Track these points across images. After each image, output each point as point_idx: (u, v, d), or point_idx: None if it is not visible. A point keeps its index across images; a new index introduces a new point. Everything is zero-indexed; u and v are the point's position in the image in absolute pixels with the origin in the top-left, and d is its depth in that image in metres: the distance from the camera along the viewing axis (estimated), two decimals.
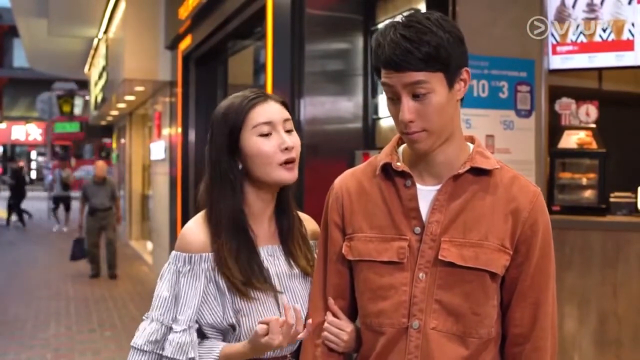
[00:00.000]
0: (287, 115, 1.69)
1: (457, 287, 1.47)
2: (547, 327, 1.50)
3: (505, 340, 1.53)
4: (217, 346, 1.63)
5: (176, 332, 1.58)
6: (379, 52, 1.44)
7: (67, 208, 16.53)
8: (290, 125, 1.69)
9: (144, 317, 1.67)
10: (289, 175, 1.65)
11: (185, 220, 8.34)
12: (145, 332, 1.62)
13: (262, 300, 1.62)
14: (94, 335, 6.56)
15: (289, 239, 1.72)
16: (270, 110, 1.66)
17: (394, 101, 1.46)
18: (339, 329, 1.59)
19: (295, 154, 1.66)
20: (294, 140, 1.67)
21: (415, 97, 1.42)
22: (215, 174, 1.67)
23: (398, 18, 1.48)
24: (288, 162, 1.65)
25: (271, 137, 1.64)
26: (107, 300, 8.19)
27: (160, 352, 1.60)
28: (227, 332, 1.65)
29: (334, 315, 1.61)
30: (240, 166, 1.66)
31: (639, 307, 3.81)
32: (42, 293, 8.68)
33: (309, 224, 1.82)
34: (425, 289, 1.48)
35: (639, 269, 3.81)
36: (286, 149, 1.64)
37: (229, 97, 1.72)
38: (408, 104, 1.42)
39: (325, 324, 1.61)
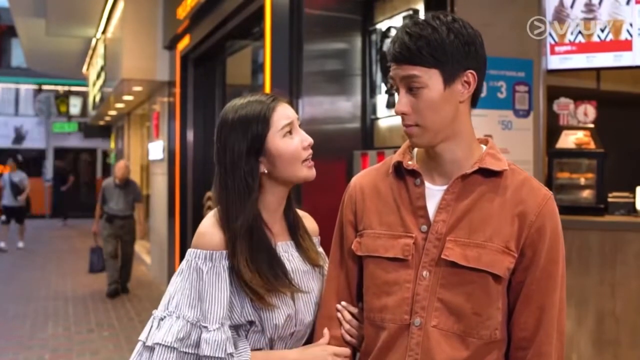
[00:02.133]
0: (296, 114, 1.74)
1: (460, 287, 1.47)
2: (552, 333, 1.49)
3: (510, 344, 1.52)
4: (246, 349, 1.63)
5: (210, 330, 1.57)
6: (389, 48, 1.50)
7: (20, 220, 13.55)
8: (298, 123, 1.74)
9: (156, 314, 1.63)
10: (312, 173, 1.70)
11: (183, 220, 8.36)
12: (172, 329, 1.57)
13: (282, 295, 1.65)
14: (92, 336, 6.56)
15: (298, 232, 1.76)
16: (288, 110, 1.70)
17: (397, 95, 1.52)
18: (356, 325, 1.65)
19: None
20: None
21: (410, 90, 1.47)
22: (230, 180, 1.66)
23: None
24: (309, 158, 1.69)
25: (294, 136, 1.68)
26: (105, 300, 8.18)
27: (186, 350, 1.57)
28: (241, 327, 1.65)
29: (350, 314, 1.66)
30: (264, 170, 1.67)
31: (637, 307, 3.81)
32: (41, 293, 8.68)
33: (307, 221, 1.84)
34: (429, 287, 1.49)
35: (637, 269, 3.81)
36: (308, 145, 1.69)
37: (240, 101, 1.70)
38: (403, 97, 1.48)
39: (345, 324, 1.65)
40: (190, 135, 7.75)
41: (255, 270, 1.61)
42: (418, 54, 1.43)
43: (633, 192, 4.19)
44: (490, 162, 1.51)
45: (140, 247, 12.42)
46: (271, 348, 1.67)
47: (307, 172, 1.69)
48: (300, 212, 1.84)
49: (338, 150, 4.10)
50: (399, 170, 1.59)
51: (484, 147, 1.57)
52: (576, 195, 4.30)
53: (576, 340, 3.90)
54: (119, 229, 8.38)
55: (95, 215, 8.71)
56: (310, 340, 1.72)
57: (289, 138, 1.67)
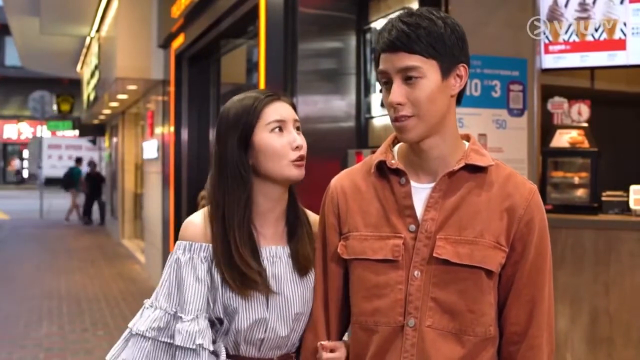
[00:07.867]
0: (296, 116, 1.72)
1: (453, 285, 1.46)
2: (543, 326, 1.49)
3: (502, 339, 1.52)
4: (220, 346, 1.64)
5: (185, 321, 1.59)
6: (380, 38, 1.47)
7: None
8: (298, 125, 1.71)
9: (145, 304, 1.68)
10: (298, 172, 1.66)
11: (177, 218, 8.35)
12: (148, 318, 1.63)
13: (253, 298, 1.63)
14: (86, 335, 6.54)
15: (296, 240, 1.71)
16: (283, 109, 1.69)
17: (387, 87, 1.47)
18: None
19: (304, 152, 1.68)
20: (303, 139, 1.69)
21: (407, 80, 1.43)
22: (224, 170, 1.67)
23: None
24: (298, 160, 1.66)
25: (283, 135, 1.66)
26: (100, 299, 8.16)
27: (165, 340, 1.61)
28: (214, 324, 1.67)
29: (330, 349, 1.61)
30: (250, 162, 1.67)
31: (631, 305, 3.83)
32: (35, 292, 8.65)
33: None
34: (421, 287, 1.47)
35: (630, 268, 3.83)
36: (297, 147, 1.66)
37: (239, 96, 1.72)
38: (399, 87, 1.44)
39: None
40: (184, 134, 7.74)
41: (231, 261, 1.61)
42: (418, 42, 1.41)
43: (627, 191, 4.20)
44: (475, 158, 1.50)
45: (134, 246, 12.41)
46: (236, 350, 1.66)
47: (293, 171, 1.65)
48: (314, 218, 1.79)
49: (332, 149, 4.10)
50: (382, 170, 1.56)
51: (466, 143, 1.56)
52: (570, 194, 4.31)
53: (570, 339, 3.91)
54: None
55: None
56: (297, 350, 1.70)
57: (277, 136, 1.65)
